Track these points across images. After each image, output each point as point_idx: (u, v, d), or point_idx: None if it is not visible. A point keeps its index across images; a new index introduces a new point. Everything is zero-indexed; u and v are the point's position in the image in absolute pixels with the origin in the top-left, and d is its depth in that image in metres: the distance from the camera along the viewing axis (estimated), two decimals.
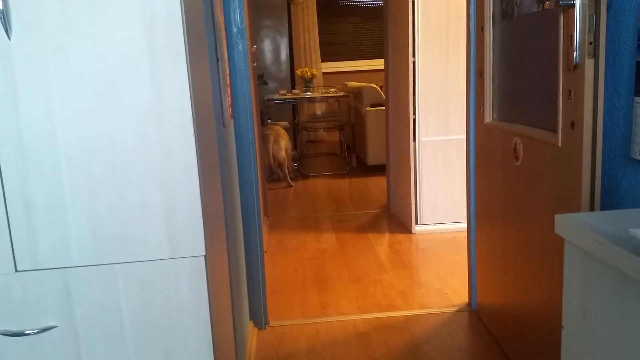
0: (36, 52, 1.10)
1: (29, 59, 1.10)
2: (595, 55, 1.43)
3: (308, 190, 5.40)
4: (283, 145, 5.55)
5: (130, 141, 1.15)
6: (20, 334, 1.19)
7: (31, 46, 1.10)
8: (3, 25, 1.08)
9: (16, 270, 1.17)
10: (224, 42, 2.24)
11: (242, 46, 2.40)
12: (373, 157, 5.83)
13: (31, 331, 1.19)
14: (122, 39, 1.12)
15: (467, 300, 2.75)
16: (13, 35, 1.09)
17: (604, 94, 1.45)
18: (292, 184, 5.60)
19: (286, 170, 5.53)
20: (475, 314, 2.60)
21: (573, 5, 1.45)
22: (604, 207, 1.50)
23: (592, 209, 1.51)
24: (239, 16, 2.37)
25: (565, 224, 0.98)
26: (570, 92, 1.54)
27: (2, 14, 1.08)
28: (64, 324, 1.20)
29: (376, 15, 8.60)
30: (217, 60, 1.91)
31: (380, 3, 8.59)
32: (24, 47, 1.10)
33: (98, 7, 1.10)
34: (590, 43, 1.43)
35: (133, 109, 1.14)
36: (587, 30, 1.43)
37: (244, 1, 2.44)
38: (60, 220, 1.16)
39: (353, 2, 8.68)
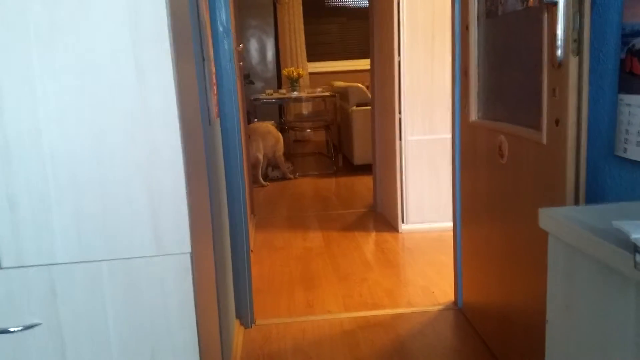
0: (20, 49, 1.09)
1: (12, 55, 1.09)
2: (579, 52, 1.45)
3: (295, 190, 5.40)
4: (261, 145, 5.53)
5: (115, 139, 1.15)
6: (4, 332, 1.17)
7: (15, 43, 1.09)
8: None
9: (0, 267, 1.16)
10: (210, 40, 2.23)
11: (227, 45, 2.39)
12: (359, 156, 5.84)
13: (15, 329, 1.17)
14: (106, 37, 1.11)
15: (453, 298, 2.76)
16: None
17: (588, 91, 1.47)
18: (265, 184, 5.61)
19: (258, 171, 5.53)
20: (461, 312, 2.62)
21: (556, 3, 1.47)
22: (588, 204, 1.52)
23: (576, 206, 1.53)
24: (225, 15, 2.36)
25: (549, 217, 0.99)
26: (554, 89, 1.56)
27: None
28: (49, 322, 1.19)
29: (362, 15, 8.62)
30: (203, 59, 1.90)
31: (365, 3, 8.61)
32: (7, 44, 1.09)
33: (82, 4, 1.09)
34: (574, 40, 1.45)
35: (118, 107, 1.14)
36: (571, 27, 1.44)
37: (229, 0, 2.43)
38: (45, 217, 1.15)
39: (339, 2, 8.69)
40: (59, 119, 1.12)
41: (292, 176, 5.86)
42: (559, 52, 1.49)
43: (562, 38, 1.47)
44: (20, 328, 1.18)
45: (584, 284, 0.91)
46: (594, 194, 1.50)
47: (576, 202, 1.53)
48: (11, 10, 1.07)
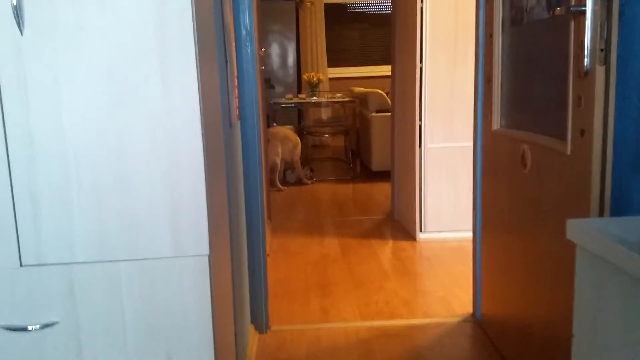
0: (47, 48, 1.10)
1: (40, 55, 1.10)
2: (606, 62, 1.42)
3: (312, 195, 5.39)
4: (279, 149, 5.55)
5: (138, 139, 1.15)
6: (23, 329, 1.18)
7: (43, 43, 1.10)
8: (16, 21, 1.08)
9: (21, 265, 1.17)
10: (233, 44, 2.24)
11: (250, 49, 2.40)
12: (377, 162, 5.82)
13: (33, 327, 1.18)
14: (132, 39, 1.12)
15: (471, 310, 2.73)
16: (25, 31, 1.09)
17: (615, 101, 1.44)
18: (283, 188, 5.61)
19: (276, 175, 5.56)
20: (480, 324, 2.58)
21: (584, 12, 1.44)
22: (616, 216, 1.49)
23: (606, 217, 1.49)
24: (248, 19, 2.37)
25: (578, 228, 0.97)
26: (580, 99, 1.53)
27: (16, 9, 1.08)
28: (66, 320, 1.19)
29: (383, 22, 8.61)
30: (226, 61, 1.91)
31: (387, 10, 8.60)
32: (35, 43, 1.10)
33: (109, 7, 1.10)
34: (601, 50, 1.42)
35: (142, 107, 1.14)
36: (598, 37, 1.42)
37: (253, 4, 2.44)
38: (66, 216, 1.16)
39: (361, 8, 8.70)
40: (83, 120, 1.13)
41: (308, 181, 5.86)
42: (585, 62, 1.47)
43: (589, 47, 1.45)
44: (38, 326, 1.19)
45: (614, 298, 0.89)
46: (619, 207, 1.46)
47: (601, 214, 1.50)
48: (40, 12, 1.09)
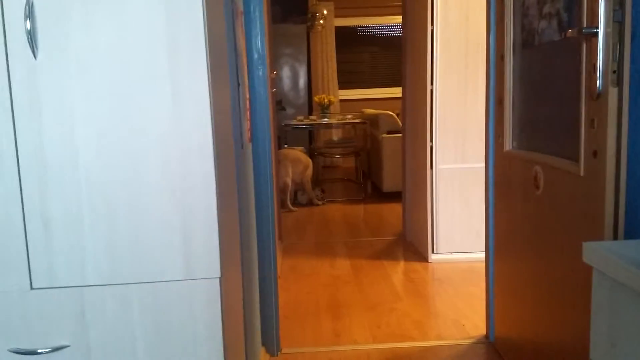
0: (61, 72, 1.12)
1: (53, 78, 1.12)
2: (619, 83, 1.42)
3: (323, 216, 5.38)
4: (290, 170, 5.57)
5: (151, 161, 1.16)
6: (32, 353, 1.18)
7: (56, 66, 1.12)
8: (30, 45, 1.10)
9: (31, 288, 1.17)
10: (245, 67, 2.26)
11: (262, 72, 2.42)
12: (388, 183, 5.81)
13: (43, 350, 1.18)
14: (144, 63, 1.13)
15: (484, 332, 2.68)
16: (39, 55, 1.11)
17: (628, 123, 1.43)
18: (294, 209, 5.62)
19: (287, 196, 5.57)
20: (493, 346, 2.54)
21: (596, 34, 1.44)
22: (627, 239, 1.46)
23: (615, 240, 1.47)
24: (260, 42, 2.40)
25: (595, 252, 0.95)
26: (593, 121, 1.52)
27: (30, 34, 1.10)
28: (77, 344, 1.19)
29: (393, 44, 8.67)
30: (238, 84, 1.93)
31: (397, 33, 8.66)
32: (49, 67, 1.12)
33: (123, 30, 1.12)
34: (614, 72, 1.42)
35: (154, 130, 1.15)
36: (610, 58, 1.41)
37: (265, 28, 2.47)
38: (77, 238, 1.16)
39: (371, 31, 8.77)
40: (96, 142, 1.14)
41: (319, 202, 5.85)
42: (598, 83, 1.46)
43: (601, 69, 1.45)
44: (48, 350, 1.18)
45: (631, 322, 0.87)
46: (633, 228, 1.44)
47: (615, 236, 1.48)
48: (54, 36, 1.10)
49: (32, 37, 1.10)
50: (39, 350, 1.18)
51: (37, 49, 1.10)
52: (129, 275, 1.19)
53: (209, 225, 1.19)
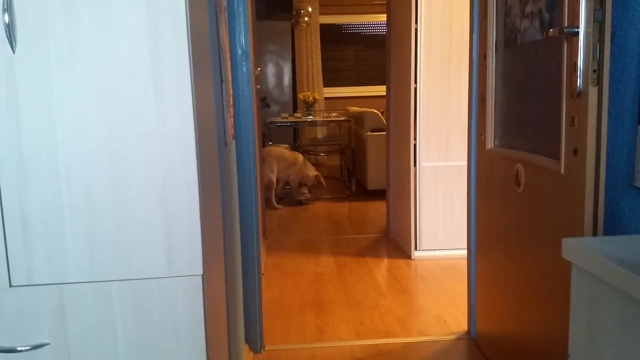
0: (40, 66, 1.10)
1: (32, 73, 1.10)
2: (599, 83, 1.44)
3: (307, 213, 5.38)
4: (275, 168, 5.55)
5: (132, 159, 1.15)
6: (12, 351, 1.16)
7: (35, 61, 1.10)
8: (8, 39, 1.08)
9: (10, 285, 1.15)
10: (229, 63, 2.25)
11: (246, 68, 2.41)
12: (373, 181, 5.83)
13: (23, 348, 1.16)
14: (126, 57, 1.12)
15: (466, 328, 2.71)
16: (17, 49, 1.09)
17: (608, 121, 1.45)
18: (278, 206, 5.62)
19: (272, 192, 5.55)
20: (475, 342, 2.56)
21: (577, 34, 1.46)
22: (606, 235, 1.49)
23: (594, 236, 1.49)
24: (244, 38, 2.39)
25: (574, 248, 0.96)
26: (573, 119, 1.54)
27: (8, 27, 1.08)
28: (57, 342, 1.18)
29: (378, 42, 8.70)
30: (221, 80, 1.92)
31: (381, 31, 8.69)
32: (27, 61, 1.10)
33: (104, 25, 1.10)
34: (594, 71, 1.43)
35: (135, 127, 1.14)
36: (591, 58, 1.43)
37: (249, 24, 2.46)
38: (57, 236, 1.15)
39: (356, 29, 8.78)
40: (76, 137, 1.13)
41: (304, 201, 5.79)
42: (578, 82, 1.48)
43: (582, 68, 1.46)
44: (28, 347, 1.17)
45: (611, 318, 0.88)
46: (613, 225, 1.46)
47: (594, 233, 1.50)
48: (33, 29, 1.09)
49: (10, 31, 1.08)
50: (19, 348, 1.16)
51: (15, 42, 1.09)
52: (109, 272, 1.17)
53: (191, 223, 1.18)
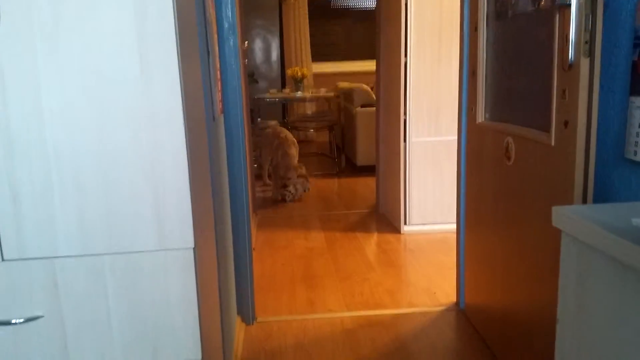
0: (24, 43, 1.08)
1: (16, 50, 1.08)
2: (590, 54, 1.44)
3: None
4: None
5: (120, 134, 1.14)
6: (6, 323, 1.16)
7: (20, 37, 1.08)
8: None
9: (3, 259, 1.15)
10: (215, 37, 2.22)
11: (233, 42, 2.38)
12: (362, 157, 5.83)
13: (17, 320, 1.16)
14: (111, 33, 1.10)
15: (455, 299, 2.75)
16: (1, 26, 1.07)
17: (599, 93, 1.46)
18: (270, 182, 5.16)
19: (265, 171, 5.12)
20: (463, 313, 2.60)
21: (569, 5, 1.45)
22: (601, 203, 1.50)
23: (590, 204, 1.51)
24: (231, 11, 2.35)
25: (564, 215, 0.98)
26: (564, 91, 1.54)
27: None
28: (51, 314, 1.18)
29: (367, 17, 8.61)
30: (208, 54, 1.89)
31: (371, 6, 8.60)
32: (11, 38, 1.07)
33: (88, 0, 1.08)
34: (586, 42, 1.43)
35: (123, 102, 1.12)
36: (583, 29, 1.43)
37: None
38: (47, 210, 1.14)
39: (344, 4, 8.68)
40: (63, 114, 1.11)
41: (280, 197, 4.85)
42: (570, 54, 1.48)
43: (574, 40, 1.46)
44: (22, 320, 1.17)
45: (599, 283, 0.90)
46: (603, 197, 1.48)
47: (584, 203, 1.52)
48: (16, 6, 1.06)
49: None
50: (13, 321, 1.16)
51: None
52: (101, 246, 1.17)
53: (181, 195, 1.17)
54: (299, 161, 5.07)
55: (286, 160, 4.83)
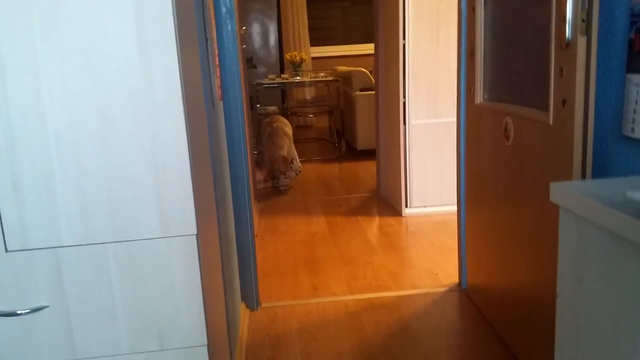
0: (23, 29, 1.08)
1: (15, 35, 1.08)
2: (587, 32, 1.43)
3: (298, 175, 5.39)
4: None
5: (120, 121, 1.14)
6: (12, 314, 1.18)
7: (18, 22, 1.07)
8: None
9: (6, 250, 1.16)
10: (213, 22, 2.21)
11: (231, 27, 2.37)
12: (362, 141, 5.83)
13: (23, 311, 1.18)
14: (110, 18, 1.10)
15: (457, 280, 2.77)
16: None
17: (596, 71, 1.45)
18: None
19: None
20: (465, 293, 2.62)
21: None
22: (599, 178, 1.51)
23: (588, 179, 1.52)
24: None
25: (561, 191, 0.98)
26: (562, 70, 1.54)
27: None
28: (56, 304, 1.19)
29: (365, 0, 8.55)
30: (206, 39, 1.89)
31: None
32: (9, 22, 1.07)
33: None
34: (583, 20, 1.43)
35: (122, 89, 1.13)
36: (579, 7, 1.42)
37: None
38: (49, 199, 1.15)
39: None
40: (63, 101, 1.12)
41: (281, 187, 4.80)
42: (567, 32, 1.47)
43: (571, 18, 1.46)
44: (27, 310, 1.18)
45: (597, 257, 0.91)
46: (601, 174, 1.49)
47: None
48: None
49: None
50: (19, 312, 1.18)
51: None
52: (104, 234, 1.18)
53: (182, 182, 1.18)
54: (296, 147, 4.87)
55: (275, 152, 4.71)
